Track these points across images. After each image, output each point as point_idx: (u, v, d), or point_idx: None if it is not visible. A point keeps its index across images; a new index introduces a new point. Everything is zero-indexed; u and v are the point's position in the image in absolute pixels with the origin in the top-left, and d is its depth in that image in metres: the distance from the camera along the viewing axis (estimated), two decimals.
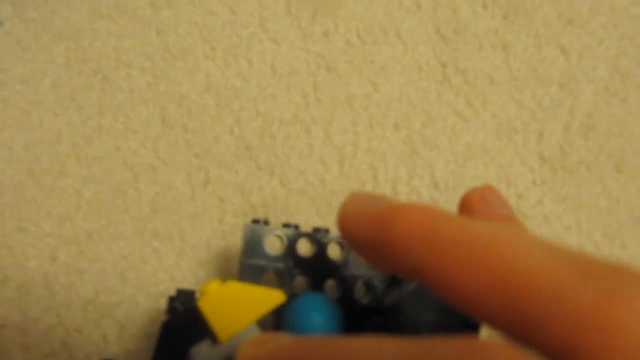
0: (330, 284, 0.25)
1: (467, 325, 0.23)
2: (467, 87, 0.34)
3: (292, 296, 0.23)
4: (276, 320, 0.23)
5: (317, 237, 0.25)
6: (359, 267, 0.25)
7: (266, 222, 0.25)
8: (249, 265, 0.24)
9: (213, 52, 0.34)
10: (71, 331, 0.25)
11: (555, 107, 0.34)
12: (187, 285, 0.27)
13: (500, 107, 0.34)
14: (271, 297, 0.21)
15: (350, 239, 0.17)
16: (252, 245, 0.24)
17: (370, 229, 0.16)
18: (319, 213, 0.30)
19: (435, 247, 0.15)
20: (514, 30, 0.37)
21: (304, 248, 0.25)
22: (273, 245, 0.25)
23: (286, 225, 0.25)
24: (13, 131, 0.30)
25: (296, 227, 0.25)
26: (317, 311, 0.22)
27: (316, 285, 0.24)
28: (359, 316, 0.24)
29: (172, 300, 0.22)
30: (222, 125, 0.31)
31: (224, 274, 0.28)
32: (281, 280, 0.24)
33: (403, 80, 0.34)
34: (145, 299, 0.27)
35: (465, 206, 0.20)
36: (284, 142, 0.31)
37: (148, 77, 0.33)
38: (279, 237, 0.25)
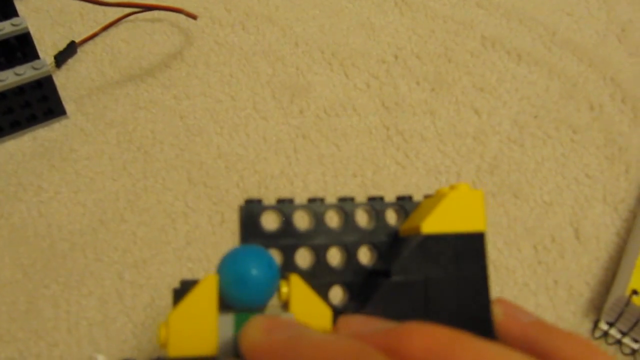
0: (332, 253, 0.24)
1: (474, 276, 0.22)
2: (404, 143, 0.48)
3: (293, 272, 0.23)
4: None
5: (313, 207, 0.24)
6: (359, 232, 0.24)
7: (260, 201, 0.24)
8: None
9: (221, 129, 0.47)
10: (137, 325, 0.37)
11: (470, 154, 0.48)
12: None
13: (429, 157, 0.47)
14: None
15: None
16: (249, 225, 0.24)
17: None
18: None
19: None
20: (439, 99, 0.51)
21: (302, 221, 0.25)
22: (270, 222, 0.24)
23: (281, 201, 0.24)
24: (85, 193, 0.43)
25: (291, 201, 0.24)
26: (255, 263, 0.21)
27: (318, 255, 0.24)
28: (366, 282, 0.24)
29: (176, 292, 0.23)
30: (230, 182, 0.44)
31: None
32: (283, 256, 0.24)
33: (358, 141, 0.47)
34: None
35: (498, 327, 0.21)
36: (274, 192, 0.44)
37: (176, 150, 0.46)
38: (275, 212, 0.24)
